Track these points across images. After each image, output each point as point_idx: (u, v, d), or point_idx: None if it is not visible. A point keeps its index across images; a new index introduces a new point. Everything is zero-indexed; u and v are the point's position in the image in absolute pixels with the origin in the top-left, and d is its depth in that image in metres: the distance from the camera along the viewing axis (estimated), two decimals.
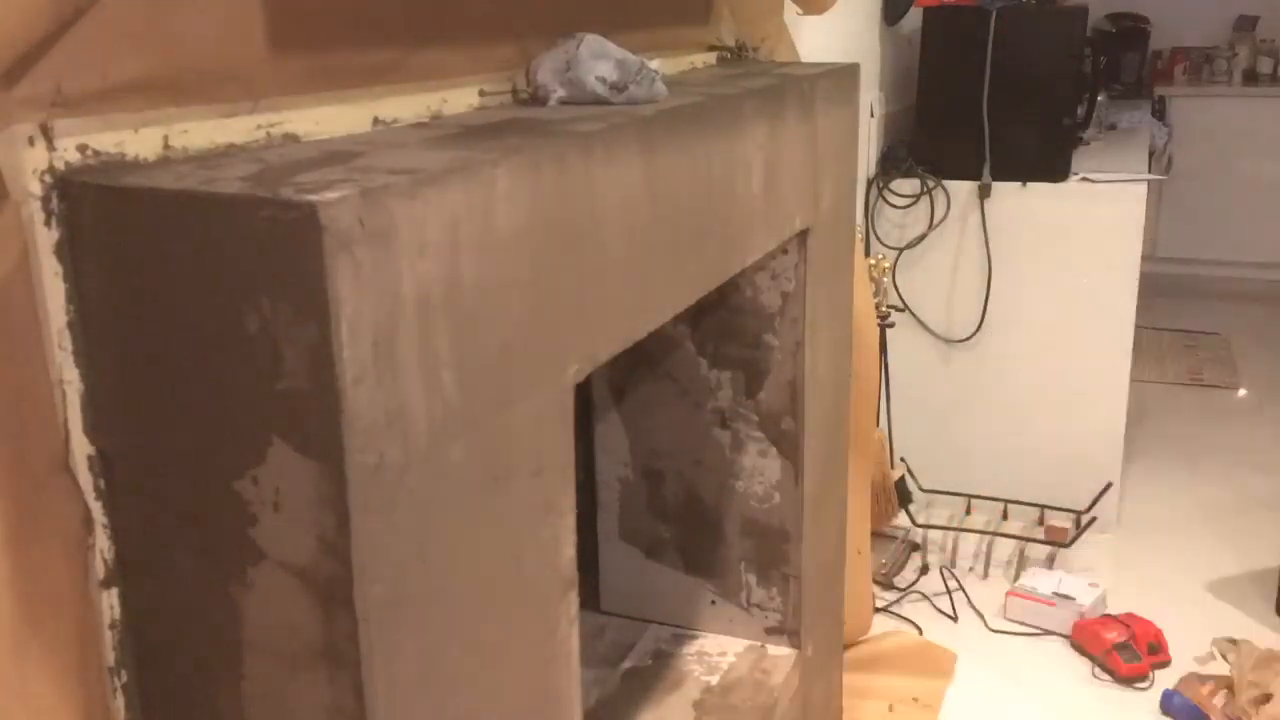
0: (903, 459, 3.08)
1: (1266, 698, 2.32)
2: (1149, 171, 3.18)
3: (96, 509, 0.78)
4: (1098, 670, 2.48)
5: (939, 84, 3.03)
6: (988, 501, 3.09)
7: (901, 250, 3.07)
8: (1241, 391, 4.23)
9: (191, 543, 0.77)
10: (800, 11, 2.04)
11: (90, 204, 0.73)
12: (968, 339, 3.02)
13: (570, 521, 0.98)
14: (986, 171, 2.97)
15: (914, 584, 2.82)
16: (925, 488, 3.14)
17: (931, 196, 3.02)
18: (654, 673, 1.62)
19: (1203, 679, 2.40)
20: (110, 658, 0.80)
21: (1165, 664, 2.50)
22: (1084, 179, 2.97)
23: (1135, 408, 3.20)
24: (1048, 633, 2.61)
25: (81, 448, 0.77)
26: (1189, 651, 2.54)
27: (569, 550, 0.98)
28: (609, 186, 0.99)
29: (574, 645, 1.00)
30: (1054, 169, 2.97)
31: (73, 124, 0.74)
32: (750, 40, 1.81)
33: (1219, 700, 2.35)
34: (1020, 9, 2.99)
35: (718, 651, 1.70)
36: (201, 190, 0.71)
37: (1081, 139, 3.27)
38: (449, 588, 0.81)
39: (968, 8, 2.98)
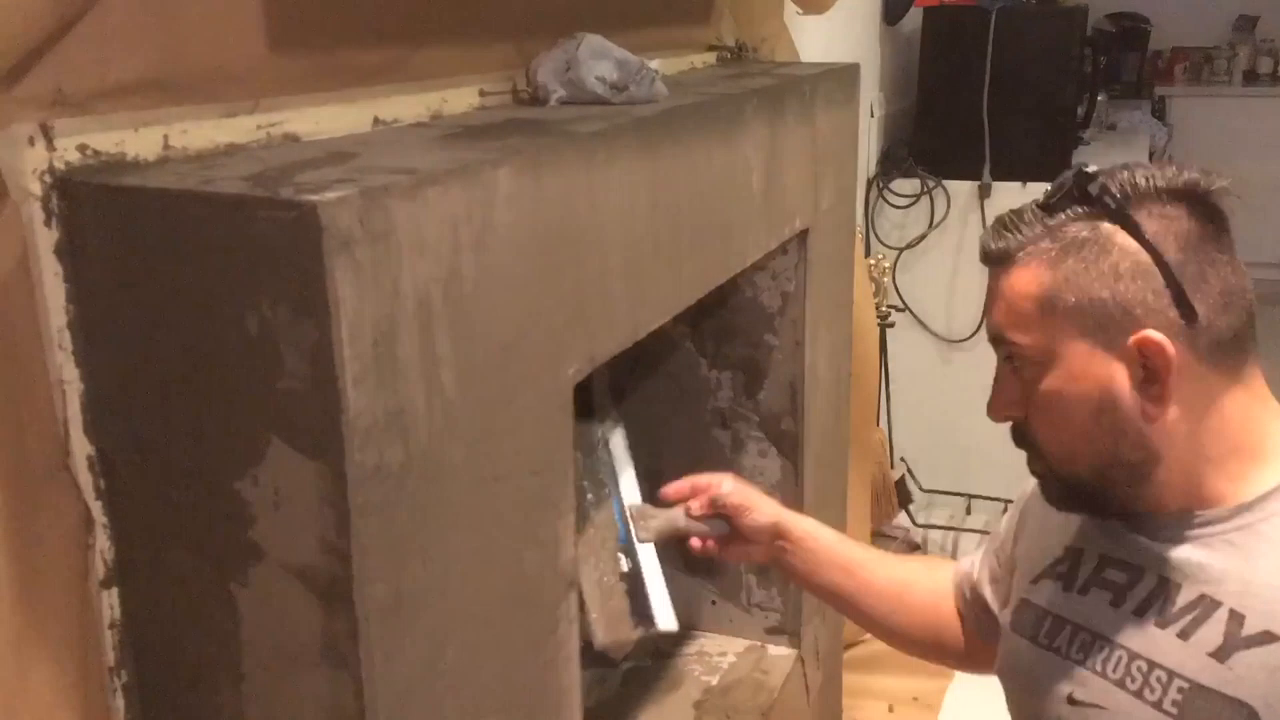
0: (903, 459, 3.08)
1: None
2: None
3: (96, 509, 0.78)
4: None
5: (939, 84, 3.04)
6: (988, 501, 3.09)
7: (901, 250, 3.07)
8: None
9: (191, 543, 0.77)
10: (800, 11, 2.04)
11: (90, 204, 0.73)
12: (968, 339, 3.02)
13: (570, 521, 0.98)
14: (986, 171, 2.96)
15: None
16: (925, 488, 3.14)
17: (931, 196, 3.02)
18: (654, 673, 1.62)
19: None
20: (110, 658, 0.80)
21: None
22: None
23: None
24: None
25: (81, 448, 0.77)
26: None
27: (569, 550, 0.98)
28: (609, 187, 0.98)
29: (574, 645, 1.00)
30: (1054, 169, 2.96)
31: (73, 124, 0.74)
32: (750, 40, 1.81)
33: None
34: (1020, 9, 2.99)
35: (718, 651, 1.70)
36: (201, 190, 0.71)
37: (1081, 139, 3.27)
38: (449, 588, 0.81)
39: (968, 8, 2.98)
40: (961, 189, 3.01)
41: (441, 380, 0.77)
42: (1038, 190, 3.23)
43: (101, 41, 0.75)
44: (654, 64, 1.19)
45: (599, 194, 0.97)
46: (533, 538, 0.92)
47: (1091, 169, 0.89)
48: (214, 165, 0.79)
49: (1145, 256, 0.86)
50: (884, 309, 2.78)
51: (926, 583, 1.24)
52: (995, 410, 0.99)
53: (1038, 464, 0.98)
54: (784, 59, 1.90)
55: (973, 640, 1.21)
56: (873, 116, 2.99)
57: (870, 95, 2.96)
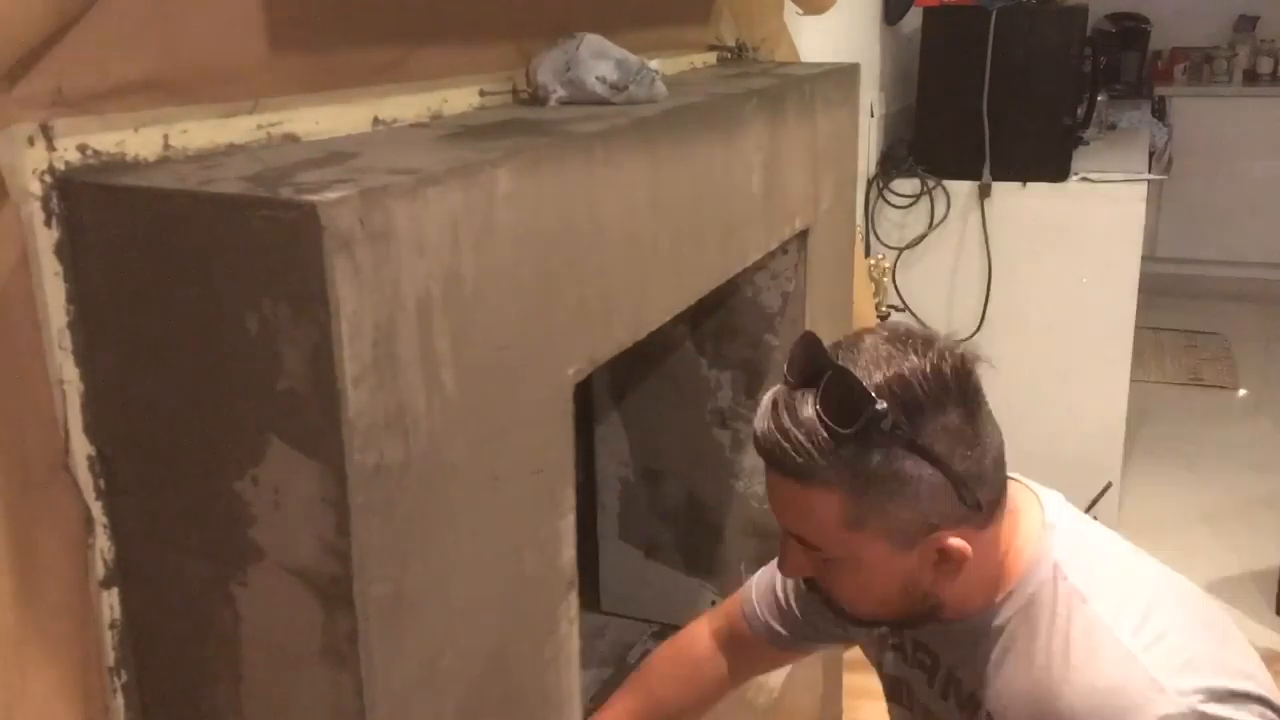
0: None
1: None
2: (1149, 171, 3.18)
3: (96, 509, 0.78)
4: None
5: (939, 84, 3.03)
6: None
7: (901, 250, 3.07)
8: (1241, 391, 4.23)
9: (191, 543, 0.77)
10: (800, 11, 2.04)
11: (90, 204, 0.73)
12: (968, 339, 3.02)
13: (570, 521, 0.98)
14: (986, 171, 2.96)
15: None
16: None
17: (931, 196, 3.02)
18: None
19: None
20: (110, 658, 0.80)
21: None
22: (1084, 179, 2.97)
23: (1135, 408, 3.19)
24: None
25: (81, 448, 0.77)
26: None
27: (569, 550, 0.98)
28: (609, 187, 0.98)
29: (574, 645, 1.00)
30: (1054, 169, 2.97)
31: (73, 124, 0.74)
32: (750, 40, 1.81)
33: None
34: (1020, 9, 2.99)
35: None
36: (201, 190, 0.71)
37: (1081, 139, 3.27)
38: (449, 587, 0.81)
39: (968, 8, 2.98)
40: (961, 189, 3.01)
41: (441, 380, 0.77)
42: (1038, 190, 3.20)
43: (101, 41, 0.75)
44: (654, 64, 1.19)
45: (599, 194, 0.97)
46: (533, 538, 0.92)
47: (879, 405, 0.89)
48: (214, 165, 0.78)
49: (939, 476, 0.91)
50: (884, 309, 2.78)
51: (704, 671, 1.30)
52: (787, 572, 1.05)
53: (837, 607, 1.04)
54: (784, 59, 1.90)
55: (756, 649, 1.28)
56: (873, 116, 2.99)
57: (870, 95, 2.96)
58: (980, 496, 0.93)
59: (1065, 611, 0.97)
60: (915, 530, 0.93)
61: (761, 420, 0.94)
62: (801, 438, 0.90)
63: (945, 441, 0.91)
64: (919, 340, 0.92)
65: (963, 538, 0.94)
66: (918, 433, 0.90)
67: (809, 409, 0.91)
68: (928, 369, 0.90)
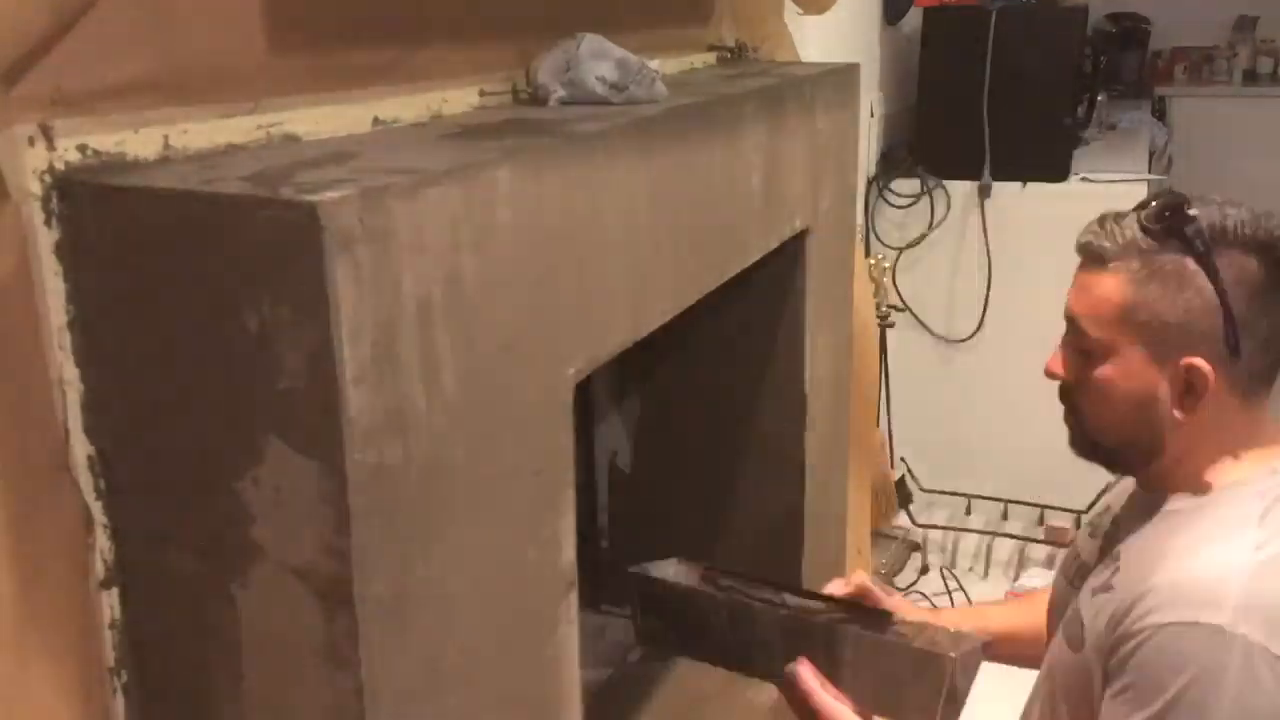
0: (903, 459, 3.08)
1: None
2: (1149, 171, 3.18)
3: (96, 509, 0.78)
4: None
5: (939, 84, 3.03)
6: (988, 501, 3.09)
7: (901, 250, 3.07)
8: None
9: (191, 543, 0.77)
10: (800, 11, 2.04)
11: (90, 204, 0.73)
12: (968, 339, 3.02)
13: (570, 521, 0.98)
14: (986, 171, 2.96)
15: (914, 584, 2.82)
16: (925, 488, 3.14)
17: (931, 196, 3.02)
18: (656, 671, 1.62)
19: None
20: (110, 658, 0.80)
21: None
22: (1084, 179, 2.97)
23: None
24: None
25: (81, 448, 0.77)
26: None
27: (569, 550, 0.98)
28: (609, 187, 0.98)
29: (574, 645, 1.00)
30: (1054, 169, 2.97)
31: (73, 124, 0.74)
32: (750, 40, 1.81)
33: None
34: (1020, 9, 2.99)
35: None
36: (201, 190, 0.71)
37: (1081, 139, 3.27)
38: (449, 587, 0.81)
39: (968, 8, 2.98)
40: (961, 189, 3.01)
41: (441, 380, 0.77)
42: (1038, 190, 3.21)
43: (101, 41, 0.75)
44: (654, 64, 1.19)
45: (599, 194, 0.97)
46: (533, 537, 0.92)
47: (1192, 211, 1.01)
48: (214, 165, 0.79)
49: (1215, 298, 1.00)
50: (884, 309, 2.78)
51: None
52: (1052, 369, 1.17)
53: (1072, 419, 1.17)
54: (784, 59, 1.90)
55: None
56: (873, 116, 2.99)
57: (870, 95, 2.95)
58: (1246, 348, 1.00)
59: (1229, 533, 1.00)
60: (1173, 343, 1.01)
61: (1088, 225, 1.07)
62: (1115, 228, 1.04)
63: (1236, 277, 0.99)
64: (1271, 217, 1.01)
65: (1213, 379, 1.00)
66: (1214, 253, 0.99)
67: (1133, 214, 1.04)
68: (1252, 219, 1.00)
